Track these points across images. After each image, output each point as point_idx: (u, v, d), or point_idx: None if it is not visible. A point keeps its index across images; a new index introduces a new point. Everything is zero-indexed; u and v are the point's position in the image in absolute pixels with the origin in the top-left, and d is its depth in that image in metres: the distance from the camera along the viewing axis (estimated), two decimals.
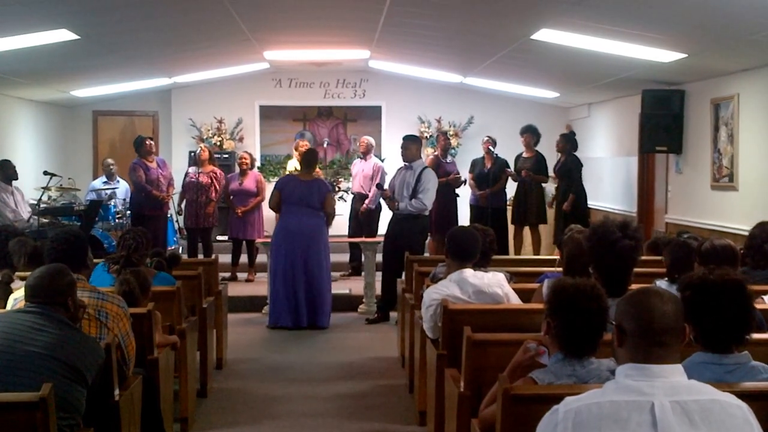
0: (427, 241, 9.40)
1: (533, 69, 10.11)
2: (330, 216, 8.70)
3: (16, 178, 9.67)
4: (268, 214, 11.07)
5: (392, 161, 10.58)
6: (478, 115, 13.19)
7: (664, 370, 2.26)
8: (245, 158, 10.74)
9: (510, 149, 10.93)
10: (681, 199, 9.28)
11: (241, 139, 13.22)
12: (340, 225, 11.08)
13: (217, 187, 10.43)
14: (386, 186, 9.12)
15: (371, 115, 13.48)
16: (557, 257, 5.58)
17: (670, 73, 8.42)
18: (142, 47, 9.36)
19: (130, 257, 5.21)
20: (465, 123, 13.26)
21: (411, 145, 8.75)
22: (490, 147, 10.54)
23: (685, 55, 7.35)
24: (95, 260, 4.92)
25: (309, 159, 8.81)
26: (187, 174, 10.62)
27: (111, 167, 11.54)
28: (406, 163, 8.72)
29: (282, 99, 13.41)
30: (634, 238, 3.70)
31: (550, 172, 10.57)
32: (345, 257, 11.17)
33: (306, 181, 8.58)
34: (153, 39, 8.99)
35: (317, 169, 9.45)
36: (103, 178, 11.59)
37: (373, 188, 10.21)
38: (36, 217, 9.42)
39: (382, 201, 9.75)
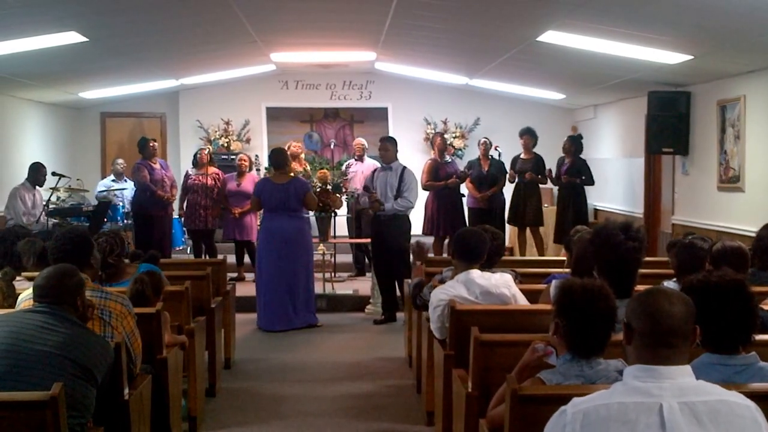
0: (431, 242, 9.44)
1: (539, 71, 10.11)
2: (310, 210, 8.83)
3: (42, 185, 9.82)
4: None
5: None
6: (484, 116, 13.20)
7: (672, 371, 2.26)
8: (244, 160, 10.80)
9: (516, 150, 10.92)
10: (687, 201, 9.28)
11: (248, 141, 13.26)
12: (343, 226, 11.11)
13: (220, 188, 10.50)
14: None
15: (377, 117, 13.49)
16: (564, 258, 5.60)
17: (676, 74, 8.42)
18: (150, 49, 9.39)
19: (105, 260, 5.21)
20: (471, 124, 13.27)
21: (390, 147, 8.84)
22: (498, 149, 10.55)
23: (692, 57, 7.35)
24: None
25: (276, 160, 8.73)
26: (187, 175, 10.64)
27: (120, 167, 11.56)
28: (384, 165, 8.79)
29: (289, 100, 13.44)
30: (637, 240, 3.69)
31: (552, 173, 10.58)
32: (349, 257, 11.22)
33: (281, 184, 8.51)
34: (160, 41, 9.02)
35: (303, 166, 9.45)
36: (112, 178, 11.63)
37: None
38: (45, 217, 9.48)
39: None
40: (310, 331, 8.42)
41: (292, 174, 8.85)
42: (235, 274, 10.51)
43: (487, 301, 4.61)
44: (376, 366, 7.17)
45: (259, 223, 10.28)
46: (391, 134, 13.11)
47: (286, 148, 10.33)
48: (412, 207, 8.68)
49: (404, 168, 8.76)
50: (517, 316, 4.39)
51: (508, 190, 10.64)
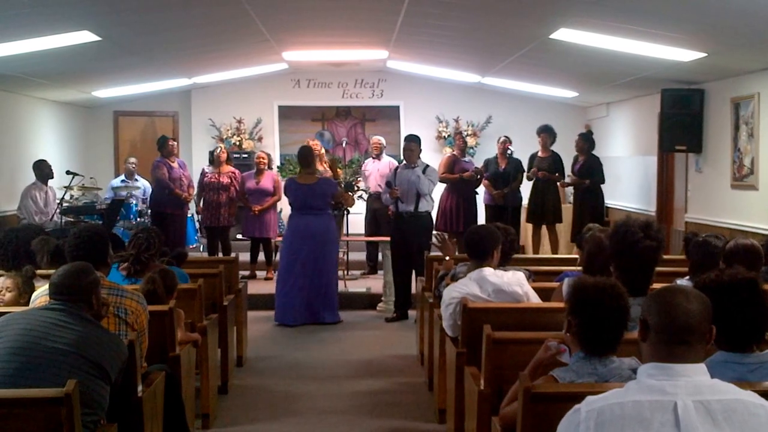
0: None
1: (552, 68, 10.09)
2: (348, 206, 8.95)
3: (52, 177, 9.91)
4: (284, 213, 11.22)
5: None
6: (497, 114, 13.18)
7: (687, 369, 2.25)
8: (263, 158, 10.82)
9: (529, 148, 10.92)
10: (701, 199, 9.24)
11: (260, 139, 13.29)
12: (357, 224, 11.13)
13: (236, 187, 10.55)
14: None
15: (389, 115, 13.49)
16: (577, 256, 5.59)
17: (689, 72, 8.38)
18: (162, 48, 9.42)
19: (139, 256, 5.25)
20: (483, 123, 13.25)
21: (417, 146, 8.88)
22: (510, 147, 10.54)
23: (705, 54, 7.32)
24: None
25: (303, 158, 8.78)
26: (204, 174, 10.70)
27: (131, 166, 11.61)
28: (405, 163, 8.84)
29: (300, 99, 13.45)
30: (656, 239, 3.67)
31: (567, 172, 10.55)
32: (362, 255, 11.24)
33: (307, 184, 8.59)
34: (173, 40, 9.05)
35: (327, 167, 9.50)
36: (123, 177, 11.67)
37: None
38: (59, 215, 9.53)
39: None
40: (321, 329, 8.44)
41: (318, 174, 8.93)
42: (247, 272, 10.53)
43: (499, 299, 4.60)
44: (388, 363, 7.18)
45: (282, 221, 10.39)
46: (402, 132, 13.18)
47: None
48: (428, 194, 8.69)
49: (427, 165, 8.86)
50: (529, 314, 4.38)
51: (527, 188, 10.65)
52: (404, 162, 8.96)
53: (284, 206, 11.13)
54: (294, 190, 8.63)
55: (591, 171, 10.25)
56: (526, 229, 10.96)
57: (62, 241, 5.12)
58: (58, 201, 9.86)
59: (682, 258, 6.11)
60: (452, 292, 4.65)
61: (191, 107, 13.39)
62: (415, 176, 8.62)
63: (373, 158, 11.09)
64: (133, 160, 11.72)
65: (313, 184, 8.59)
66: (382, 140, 11.15)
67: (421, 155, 8.95)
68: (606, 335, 3.01)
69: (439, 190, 10.08)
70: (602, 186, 10.54)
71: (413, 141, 8.91)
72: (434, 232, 6.44)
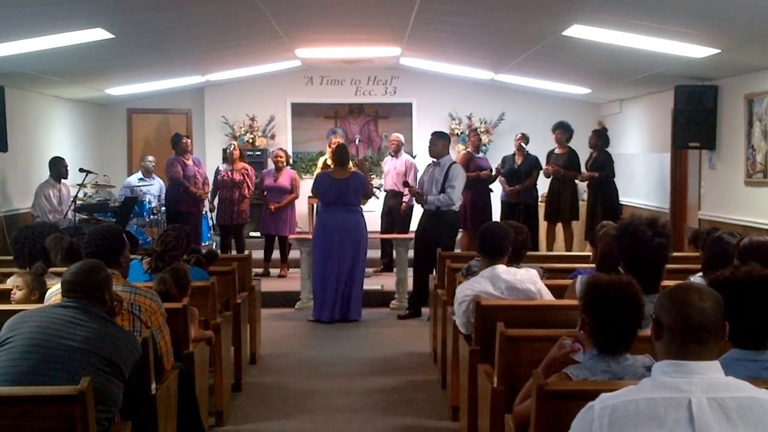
0: (458, 237, 9.45)
1: (565, 65, 10.06)
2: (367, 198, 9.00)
3: (66, 177, 9.92)
4: (301, 211, 11.25)
5: (423, 158, 10.62)
6: (510, 111, 13.16)
7: (701, 366, 2.25)
8: (281, 155, 10.85)
9: (542, 144, 10.90)
10: (714, 195, 9.19)
11: (273, 137, 13.30)
12: (373, 221, 11.14)
13: (249, 184, 10.56)
14: (412, 183, 9.25)
15: (402, 112, 13.48)
16: (590, 253, 5.57)
17: (703, 68, 8.34)
18: (176, 46, 9.44)
19: (164, 254, 5.27)
20: (496, 120, 13.23)
21: (438, 141, 8.81)
22: (522, 144, 10.52)
23: (719, 51, 7.28)
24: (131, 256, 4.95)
25: (340, 155, 8.84)
26: (218, 171, 10.75)
27: (150, 164, 11.64)
28: (434, 160, 8.78)
29: (313, 96, 13.46)
30: (664, 236, 3.66)
31: (583, 169, 10.52)
32: (377, 253, 11.24)
33: (340, 179, 8.62)
34: (186, 38, 9.07)
35: (350, 165, 9.51)
36: (139, 175, 11.70)
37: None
38: (73, 213, 9.57)
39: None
40: (334, 326, 8.44)
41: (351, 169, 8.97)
42: (260, 270, 10.55)
43: (512, 296, 4.60)
44: (401, 361, 7.18)
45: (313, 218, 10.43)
46: (415, 129, 13.23)
47: (327, 145, 10.73)
48: (453, 204, 8.61)
49: (452, 164, 8.77)
50: (542, 312, 4.37)
51: (545, 185, 10.63)
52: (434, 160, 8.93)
53: (301, 204, 11.18)
54: (327, 184, 8.64)
55: (601, 166, 10.22)
56: (544, 226, 10.92)
57: (76, 239, 5.15)
58: (72, 199, 9.90)
59: (694, 255, 6.09)
60: (465, 290, 4.65)
61: (204, 105, 13.42)
62: (435, 199, 8.54)
63: (391, 155, 11.09)
64: (151, 158, 11.74)
65: (346, 178, 8.65)
66: (401, 137, 11.11)
67: (443, 149, 8.84)
68: (620, 333, 3.01)
69: None
70: (616, 183, 10.50)
71: (433, 135, 8.89)
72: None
